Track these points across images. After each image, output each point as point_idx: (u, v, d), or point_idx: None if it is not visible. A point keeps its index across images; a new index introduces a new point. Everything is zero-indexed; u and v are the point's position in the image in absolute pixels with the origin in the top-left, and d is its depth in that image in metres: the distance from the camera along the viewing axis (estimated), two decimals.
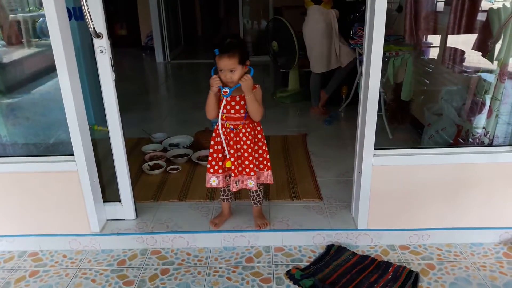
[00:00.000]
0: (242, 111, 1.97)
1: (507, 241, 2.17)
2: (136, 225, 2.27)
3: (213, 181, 2.10)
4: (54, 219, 2.19)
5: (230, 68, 1.88)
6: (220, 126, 2.00)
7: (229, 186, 2.16)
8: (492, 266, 2.01)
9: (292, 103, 4.52)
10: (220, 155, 2.08)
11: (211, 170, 2.10)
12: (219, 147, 2.07)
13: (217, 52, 1.88)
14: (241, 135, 2.01)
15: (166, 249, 2.18)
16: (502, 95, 2.33)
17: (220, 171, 2.09)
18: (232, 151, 2.03)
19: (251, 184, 2.06)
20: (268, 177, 2.13)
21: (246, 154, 2.03)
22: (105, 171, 2.29)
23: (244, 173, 2.06)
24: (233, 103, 1.97)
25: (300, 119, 4.11)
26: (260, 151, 2.09)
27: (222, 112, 1.99)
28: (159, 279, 1.97)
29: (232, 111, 1.98)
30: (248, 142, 2.02)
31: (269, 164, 2.12)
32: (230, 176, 2.10)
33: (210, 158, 2.10)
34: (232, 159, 2.03)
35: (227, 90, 1.91)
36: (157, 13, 6.70)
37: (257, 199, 2.22)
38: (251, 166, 2.04)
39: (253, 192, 2.19)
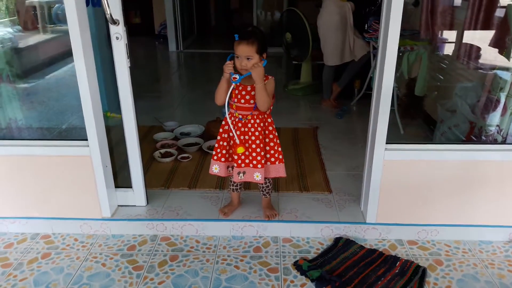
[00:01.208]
0: (252, 101, 1.97)
1: None
2: (147, 211, 2.30)
3: (215, 168, 2.12)
4: (66, 203, 2.23)
5: (247, 55, 1.88)
6: (227, 113, 2.00)
7: (232, 177, 2.16)
8: (501, 264, 2.00)
9: (304, 95, 4.50)
10: (225, 143, 2.09)
11: (215, 157, 2.11)
12: (226, 135, 2.08)
13: (237, 38, 1.89)
14: (249, 125, 2.02)
15: (175, 236, 2.21)
16: None
17: (223, 159, 2.10)
18: (240, 138, 2.02)
19: (258, 177, 2.05)
20: (280, 170, 2.12)
21: (254, 146, 2.03)
22: (118, 158, 2.32)
23: (251, 165, 2.05)
24: (243, 92, 1.97)
25: (311, 111, 4.10)
26: (272, 144, 2.09)
27: (233, 101, 1.99)
28: (168, 265, 2.00)
29: (242, 101, 1.98)
30: (257, 133, 2.02)
31: (281, 156, 2.11)
32: (233, 167, 2.11)
33: (216, 145, 2.11)
34: (237, 143, 2.02)
35: (236, 76, 1.91)
36: (171, 2, 6.71)
37: (266, 190, 2.23)
38: (259, 158, 2.03)
39: (261, 184, 2.20)
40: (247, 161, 2.05)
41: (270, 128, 2.07)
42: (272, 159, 2.10)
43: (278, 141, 2.10)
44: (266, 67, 1.94)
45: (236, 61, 1.92)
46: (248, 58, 1.89)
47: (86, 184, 2.18)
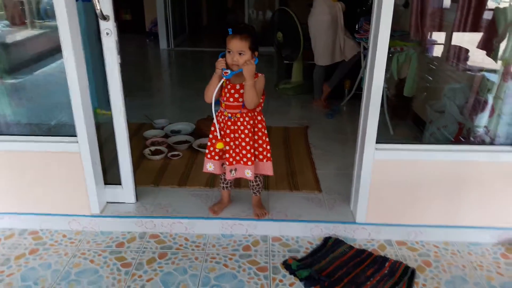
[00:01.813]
0: (241, 99, 1.97)
1: (505, 241, 2.18)
2: (136, 208, 2.29)
3: (209, 166, 2.12)
4: (55, 199, 2.20)
5: (239, 50, 1.87)
6: (213, 109, 1.98)
7: (225, 174, 2.17)
8: (489, 266, 2.02)
9: (294, 95, 4.51)
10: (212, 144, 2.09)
11: (208, 156, 2.12)
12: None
13: (230, 32, 1.88)
14: (239, 123, 2.01)
15: (164, 233, 2.20)
16: (505, 95, 2.33)
17: (217, 157, 2.11)
18: (227, 139, 2.03)
19: (248, 174, 2.07)
20: (268, 168, 2.13)
21: (243, 144, 2.03)
22: (107, 154, 2.30)
23: (242, 162, 2.06)
24: (232, 91, 1.97)
25: (302, 111, 4.11)
26: (260, 141, 2.09)
27: (222, 100, 1.99)
28: (157, 263, 1.99)
29: (231, 99, 1.98)
30: (246, 131, 2.02)
31: (269, 155, 2.12)
32: (226, 164, 2.11)
33: (209, 143, 2.11)
34: (227, 141, 2.03)
35: (228, 71, 1.90)
36: (162, 0, 6.67)
37: (257, 189, 2.23)
38: (249, 155, 2.04)
39: (252, 182, 2.20)
40: (237, 158, 2.06)
41: (260, 126, 2.07)
42: (260, 157, 2.11)
43: (267, 139, 2.10)
44: (258, 66, 1.94)
45: (228, 56, 1.91)
46: (240, 53, 1.88)
47: (75, 180, 2.16)
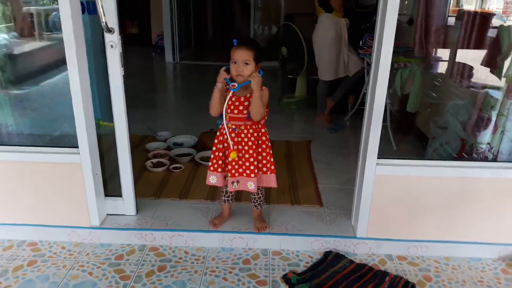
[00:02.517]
0: (245, 111, 1.98)
1: (505, 257, 2.16)
2: (136, 221, 2.28)
3: (212, 179, 2.12)
4: (55, 210, 2.20)
5: (245, 60, 1.89)
6: (225, 121, 1.99)
7: (227, 187, 2.16)
8: (490, 282, 2.00)
9: (298, 109, 4.52)
10: (220, 153, 2.09)
11: (211, 168, 2.12)
12: (221, 146, 2.08)
13: (235, 43, 1.90)
14: (242, 135, 2.02)
15: (164, 246, 2.19)
16: (508, 111, 2.33)
17: (220, 170, 2.10)
18: (234, 147, 2.03)
19: (251, 186, 2.06)
20: (271, 180, 2.12)
21: (247, 155, 2.03)
22: (108, 166, 2.30)
23: (245, 174, 2.06)
24: (237, 103, 1.98)
25: (305, 125, 4.12)
26: (264, 154, 2.09)
27: (226, 112, 2.00)
28: (156, 276, 1.97)
29: (236, 111, 1.99)
30: (250, 143, 2.02)
31: (273, 167, 2.12)
32: (228, 176, 2.11)
33: (212, 156, 2.11)
34: (236, 151, 2.03)
35: (235, 84, 1.92)
36: (169, 14, 6.76)
37: (258, 202, 2.23)
38: (252, 167, 2.04)
39: (254, 195, 2.19)
40: (240, 170, 2.06)
41: (264, 138, 2.08)
42: (264, 169, 2.11)
43: (271, 151, 2.10)
44: (262, 79, 1.95)
45: (232, 67, 1.92)
46: (245, 63, 1.90)
47: (75, 192, 2.16)
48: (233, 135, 2.02)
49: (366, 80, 3.74)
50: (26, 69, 2.98)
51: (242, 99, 1.97)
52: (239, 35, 8.46)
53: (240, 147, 2.03)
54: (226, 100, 1.96)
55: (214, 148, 2.10)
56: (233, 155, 2.01)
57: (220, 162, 2.10)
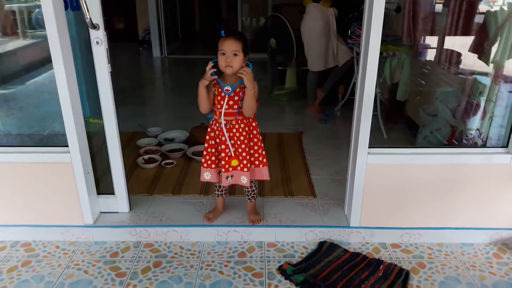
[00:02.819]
0: (235, 106, 1.97)
1: (497, 241, 2.19)
2: (130, 218, 2.27)
3: (207, 175, 2.11)
4: (47, 210, 2.18)
5: (234, 51, 1.87)
6: (223, 124, 1.98)
7: (221, 182, 2.16)
8: (482, 266, 2.03)
9: (288, 101, 4.52)
10: (213, 150, 2.08)
11: (205, 165, 2.11)
12: (213, 142, 2.07)
13: (223, 34, 1.88)
14: (234, 130, 2.01)
15: (159, 242, 2.19)
16: (496, 97, 2.35)
17: (213, 166, 2.10)
18: (223, 146, 2.03)
19: (244, 180, 2.07)
20: (264, 173, 2.13)
21: (240, 150, 2.03)
22: (100, 164, 2.28)
23: (238, 168, 2.06)
24: (226, 98, 1.97)
25: (296, 117, 4.12)
26: (256, 147, 2.09)
27: (216, 108, 1.99)
28: (152, 272, 1.97)
29: (226, 107, 1.98)
30: (242, 138, 2.02)
31: (265, 160, 2.12)
32: (222, 171, 2.10)
33: (204, 152, 2.11)
34: (222, 148, 2.04)
35: (229, 88, 1.91)
36: (155, 8, 6.70)
37: (251, 195, 2.23)
38: (245, 162, 2.04)
39: (247, 188, 2.19)
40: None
41: (255, 132, 2.08)
42: (256, 162, 2.11)
43: (262, 144, 2.10)
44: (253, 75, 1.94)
45: (221, 59, 1.90)
46: (234, 54, 1.88)
47: (67, 191, 2.14)
48: (224, 130, 2.01)
49: (356, 69, 3.74)
50: (11, 68, 2.93)
51: (232, 94, 1.96)
52: (227, 27, 8.39)
53: (232, 142, 2.03)
54: (224, 103, 1.94)
55: (206, 145, 2.09)
56: (234, 163, 2.03)
57: (213, 158, 2.09)
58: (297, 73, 4.64)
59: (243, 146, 2.03)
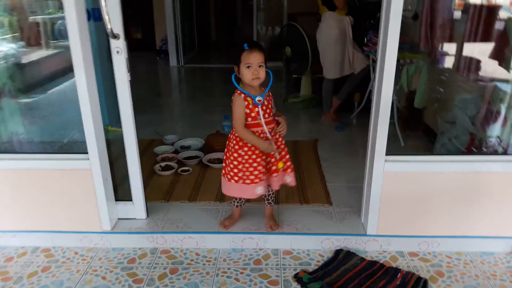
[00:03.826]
0: (269, 111, 2.01)
1: None
2: (147, 224, 2.30)
3: (259, 190, 2.05)
4: (66, 216, 2.22)
5: (259, 62, 1.90)
6: (267, 132, 1.98)
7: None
8: (503, 275, 1.99)
9: (303, 108, 4.53)
10: (263, 163, 2.04)
11: (256, 181, 2.02)
12: (264, 157, 2.04)
13: (246, 47, 1.89)
14: (277, 136, 2.06)
15: (175, 248, 2.20)
16: None
17: (264, 177, 2.05)
18: (277, 152, 2.05)
19: (288, 179, 2.13)
20: (293, 178, 2.17)
21: (283, 153, 2.09)
22: (118, 171, 2.32)
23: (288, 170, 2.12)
24: (264, 107, 1.97)
25: (311, 124, 4.11)
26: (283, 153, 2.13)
27: (252, 120, 1.98)
28: (168, 278, 1.99)
29: (266, 115, 1.98)
30: (280, 139, 2.08)
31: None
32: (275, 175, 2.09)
33: (251, 169, 2.02)
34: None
35: (261, 98, 1.94)
36: (172, 18, 6.80)
37: (272, 198, 2.25)
38: (288, 163, 2.11)
39: (269, 192, 2.21)
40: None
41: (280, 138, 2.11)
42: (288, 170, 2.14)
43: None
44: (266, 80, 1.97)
45: (248, 72, 1.89)
46: (260, 66, 1.90)
47: (86, 197, 2.18)
48: (269, 136, 2.01)
49: (372, 77, 3.73)
50: (34, 77, 3.02)
51: (266, 102, 1.99)
52: (242, 37, 8.47)
53: (281, 146, 2.08)
54: (261, 116, 1.95)
55: (255, 163, 2.01)
56: (280, 165, 2.05)
57: (263, 170, 2.05)
58: (312, 81, 4.65)
59: (282, 146, 2.08)
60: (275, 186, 2.10)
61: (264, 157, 2.04)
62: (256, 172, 2.03)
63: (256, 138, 1.97)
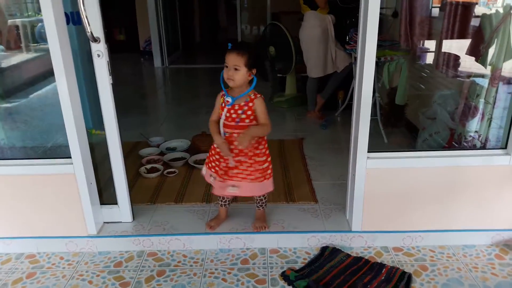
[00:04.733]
0: (236, 118, 1.98)
1: (499, 243, 2.19)
2: (133, 227, 2.29)
3: (204, 170, 2.15)
4: (51, 221, 2.21)
5: (235, 65, 1.90)
6: (222, 133, 2.02)
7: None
8: (484, 268, 2.03)
9: (289, 107, 4.55)
10: (213, 156, 2.10)
11: (207, 161, 2.15)
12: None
13: (229, 46, 1.92)
14: (236, 143, 1.99)
15: (162, 251, 2.20)
16: (494, 99, 2.36)
17: (210, 165, 2.12)
18: (232, 160, 2.03)
19: (240, 192, 2.10)
20: (268, 186, 2.14)
21: (241, 162, 2.05)
22: (103, 174, 2.31)
23: (238, 179, 2.07)
24: (232, 110, 1.98)
25: (296, 123, 4.14)
26: (260, 161, 2.07)
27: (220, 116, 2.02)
28: (155, 281, 1.99)
29: (229, 119, 1.99)
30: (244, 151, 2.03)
31: (269, 172, 2.13)
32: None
33: (209, 154, 2.12)
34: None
35: (229, 99, 1.95)
36: (155, 19, 6.76)
37: (260, 203, 2.26)
38: (246, 174, 2.05)
39: (257, 196, 2.21)
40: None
41: (261, 147, 2.08)
42: (261, 178, 2.09)
43: (268, 159, 2.12)
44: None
45: (225, 71, 1.94)
46: (235, 69, 1.90)
47: (71, 202, 2.17)
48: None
49: (354, 75, 3.76)
50: (15, 82, 2.97)
51: (237, 107, 1.98)
52: (227, 37, 8.47)
53: (233, 154, 2.02)
54: (223, 116, 1.98)
55: (213, 150, 2.10)
56: (232, 173, 2.05)
57: (214, 162, 2.11)
58: (297, 80, 4.67)
59: (243, 158, 2.02)
60: (222, 190, 2.09)
61: (218, 152, 2.06)
62: (211, 157, 2.10)
63: (214, 131, 2.03)
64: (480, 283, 1.93)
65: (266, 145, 2.10)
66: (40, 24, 2.89)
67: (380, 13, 1.86)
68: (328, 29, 3.87)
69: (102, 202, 2.30)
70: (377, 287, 1.88)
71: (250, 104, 1.96)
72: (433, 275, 1.98)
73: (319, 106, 4.11)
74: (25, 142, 2.57)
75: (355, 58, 3.69)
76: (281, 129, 3.88)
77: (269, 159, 2.11)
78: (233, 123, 1.99)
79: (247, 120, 1.98)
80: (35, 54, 3.06)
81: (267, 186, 2.12)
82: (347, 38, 3.88)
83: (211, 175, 2.13)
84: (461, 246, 2.19)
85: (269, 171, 2.11)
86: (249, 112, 1.97)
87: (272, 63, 4.84)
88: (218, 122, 2.04)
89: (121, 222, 2.33)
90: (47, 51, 1.92)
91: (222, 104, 2.00)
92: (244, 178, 2.05)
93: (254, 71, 1.96)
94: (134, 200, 2.41)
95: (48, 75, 2.29)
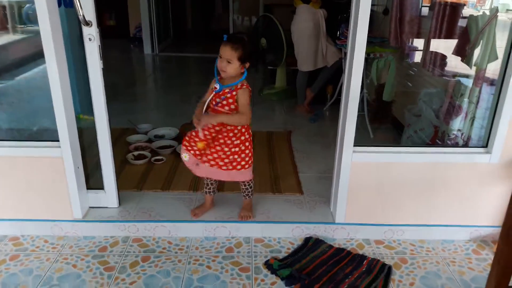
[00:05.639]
0: (220, 105, 2.02)
1: (476, 238, 2.26)
2: (119, 213, 2.30)
3: (185, 156, 2.14)
4: (36, 204, 2.21)
5: (227, 58, 1.93)
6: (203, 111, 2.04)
7: (209, 179, 2.22)
8: (461, 262, 2.10)
9: (278, 100, 4.57)
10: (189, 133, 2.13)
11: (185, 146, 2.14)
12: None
13: (225, 38, 1.95)
14: (217, 128, 2.05)
15: (147, 237, 2.22)
16: (477, 99, 2.42)
17: (189, 148, 2.14)
18: (201, 133, 2.06)
19: (219, 176, 2.14)
20: (246, 174, 2.17)
21: (218, 148, 2.08)
22: (90, 159, 2.31)
23: (212, 164, 2.10)
24: (218, 97, 2.01)
25: (285, 116, 4.17)
26: (239, 151, 2.09)
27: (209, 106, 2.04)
28: (140, 266, 2.01)
29: (214, 103, 2.03)
30: (222, 140, 2.06)
31: (250, 162, 2.15)
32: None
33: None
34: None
35: (217, 86, 1.98)
36: (146, 5, 6.69)
37: (246, 192, 2.28)
38: (220, 161, 2.09)
39: (242, 185, 2.24)
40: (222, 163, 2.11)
41: (243, 138, 2.10)
42: (238, 167, 2.12)
43: (246, 150, 2.13)
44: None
45: (218, 62, 1.97)
46: (228, 62, 1.93)
47: (57, 185, 2.16)
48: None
49: (344, 70, 3.80)
50: (1, 63, 2.93)
51: (223, 96, 2.00)
52: (219, 26, 8.42)
53: (209, 137, 2.06)
54: (208, 99, 2.01)
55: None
56: (199, 145, 2.07)
57: (189, 140, 2.12)
58: (287, 73, 4.69)
59: (219, 147, 2.05)
60: (195, 171, 2.13)
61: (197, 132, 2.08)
62: (190, 139, 2.10)
63: (199, 107, 2.06)
64: (457, 276, 2.00)
65: (248, 137, 2.12)
66: (27, 5, 2.85)
67: (371, 10, 1.88)
68: (320, 24, 3.89)
69: (89, 187, 2.30)
70: (358, 278, 1.93)
71: (234, 93, 2.00)
72: (412, 268, 2.04)
73: (309, 100, 4.14)
74: (12, 124, 2.55)
75: (345, 54, 3.75)
76: (270, 121, 3.91)
77: (247, 151, 2.11)
78: (216, 108, 2.03)
79: (226, 108, 2.01)
80: (22, 36, 3.02)
81: (245, 174, 2.15)
82: (338, 34, 3.91)
83: (187, 156, 2.13)
84: (440, 240, 2.25)
85: (248, 160, 2.13)
86: (230, 100, 2.00)
87: (263, 55, 4.85)
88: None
89: (107, 207, 2.34)
90: (34, 32, 1.91)
91: (211, 89, 2.04)
92: (217, 164, 2.08)
93: (247, 65, 1.99)
94: (121, 186, 2.42)
95: (36, 57, 2.26)
